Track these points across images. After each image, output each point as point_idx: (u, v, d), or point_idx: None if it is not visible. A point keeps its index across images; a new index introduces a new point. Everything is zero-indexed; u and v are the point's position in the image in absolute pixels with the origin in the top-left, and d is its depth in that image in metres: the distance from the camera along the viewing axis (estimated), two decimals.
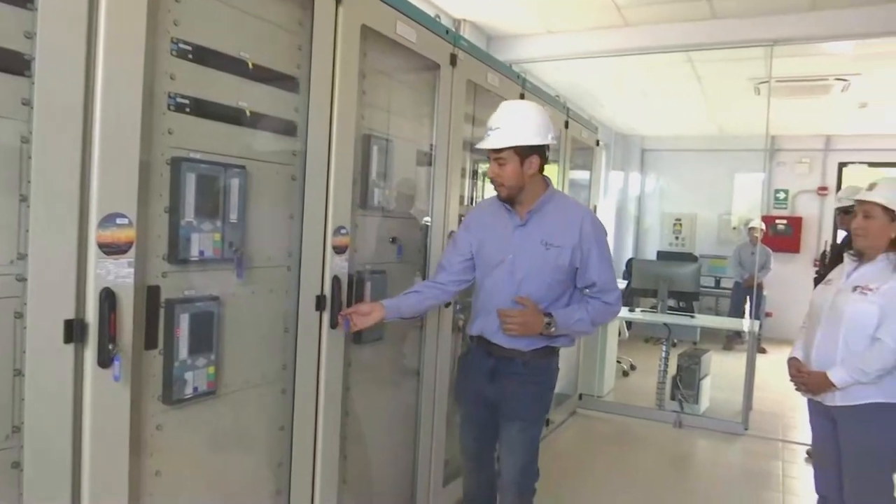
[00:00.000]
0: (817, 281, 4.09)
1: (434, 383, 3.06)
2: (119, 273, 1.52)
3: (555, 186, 2.52)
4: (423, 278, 2.95)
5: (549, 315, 2.36)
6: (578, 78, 6.86)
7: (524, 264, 2.39)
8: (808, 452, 4.59)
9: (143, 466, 1.72)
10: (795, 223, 9.59)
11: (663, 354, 5.70)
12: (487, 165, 2.46)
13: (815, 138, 9.44)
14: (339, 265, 2.30)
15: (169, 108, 1.72)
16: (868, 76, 6.24)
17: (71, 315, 1.44)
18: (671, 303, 6.42)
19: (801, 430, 4.95)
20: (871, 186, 2.55)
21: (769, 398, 5.89)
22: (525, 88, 3.83)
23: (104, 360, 1.48)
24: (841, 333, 2.50)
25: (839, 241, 5.06)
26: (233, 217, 1.90)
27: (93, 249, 1.47)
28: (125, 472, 1.59)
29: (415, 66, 2.84)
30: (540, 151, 2.36)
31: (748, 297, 7.35)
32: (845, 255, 2.67)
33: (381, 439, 2.83)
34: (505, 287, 2.40)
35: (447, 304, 3.02)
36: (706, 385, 5.72)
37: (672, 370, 5.67)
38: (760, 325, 6.80)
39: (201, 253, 1.81)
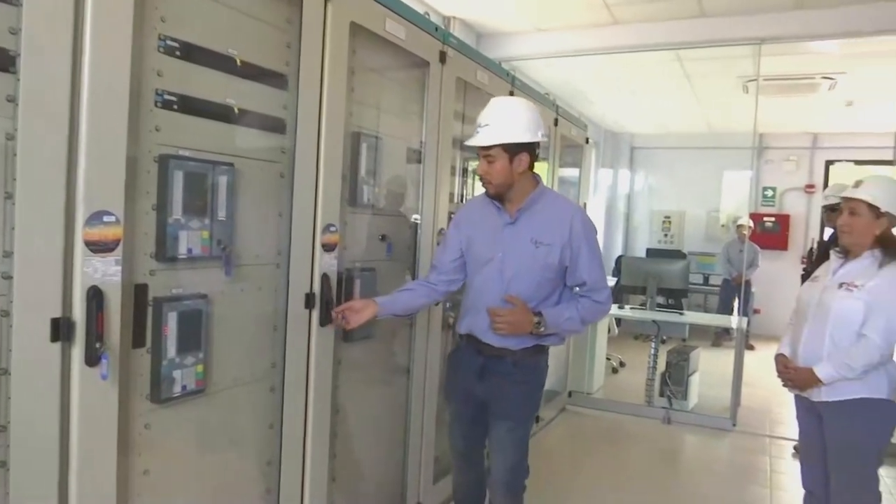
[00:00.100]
0: (804, 278, 4.12)
1: (424, 381, 3.06)
2: (106, 271, 1.51)
3: (545, 184, 2.52)
4: (413, 276, 2.95)
5: (538, 314, 2.35)
6: (568, 75, 6.87)
7: (513, 262, 2.38)
8: (795, 448, 4.63)
9: (131, 466, 1.71)
10: (783, 220, 9.66)
11: (652, 351, 5.72)
12: (477, 163, 2.45)
13: (802, 136, 9.51)
14: (328, 263, 2.30)
15: (156, 105, 1.71)
16: (854, 75, 6.28)
17: (58, 313, 1.43)
18: (660, 300, 6.45)
19: (789, 426, 4.99)
20: (858, 184, 2.57)
21: (757, 394, 5.93)
22: (514, 86, 3.83)
23: (91, 359, 1.47)
24: (827, 330, 2.52)
25: (826, 238, 5.09)
26: (221, 215, 1.89)
27: (80, 247, 1.46)
28: (113, 471, 1.58)
29: (404, 63, 2.83)
30: (530, 149, 2.35)
31: (736, 294, 7.39)
32: (831, 252, 2.69)
33: (371, 437, 2.83)
34: (494, 285, 2.40)
35: (437, 303, 3.02)
36: (695, 381, 5.75)
37: (661, 367, 5.70)
38: (748, 322, 6.86)
39: (189, 251, 1.81)
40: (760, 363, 6.11)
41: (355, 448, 2.71)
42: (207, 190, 1.85)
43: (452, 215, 2.97)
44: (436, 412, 3.15)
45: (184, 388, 1.82)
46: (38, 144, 1.38)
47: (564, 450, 4.60)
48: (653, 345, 5.76)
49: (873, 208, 2.49)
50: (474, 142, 2.34)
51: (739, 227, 8.25)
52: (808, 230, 9.47)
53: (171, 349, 1.78)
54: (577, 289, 2.46)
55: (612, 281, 6.49)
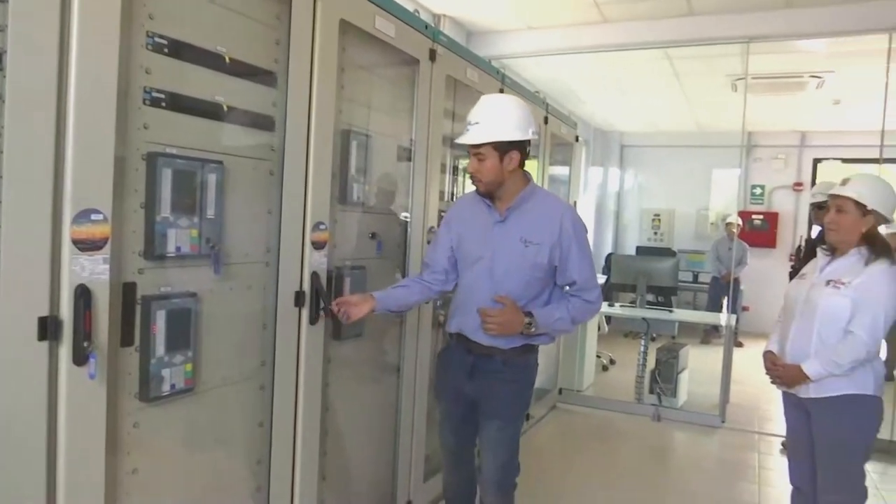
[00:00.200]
0: (792, 275, 4.15)
1: (414, 379, 3.06)
2: (94, 269, 1.50)
3: (535, 182, 2.52)
4: (403, 275, 2.95)
5: (529, 314, 2.35)
6: (558, 74, 6.88)
7: (503, 261, 2.38)
8: (783, 444, 4.66)
9: (119, 465, 1.70)
10: (772, 218, 9.71)
11: (642, 349, 5.75)
12: (468, 161, 2.45)
13: (790, 134, 9.57)
14: (318, 261, 2.29)
15: (144, 103, 1.70)
16: (841, 74, 6.33)
17: (45, 312, 1.42)
18: (650, 297, 6.47)
19: (777, 423, 5.03)
20: (845, 182, 2.59)
21: (746, 391, 5.97)
22: (504, 84, 3.84)
23: (79, 358, 1.46)
24: (815, 327, 2.54)
25: (814, 236, 5.13)
26: (210, 213, 1.89)
27: (67, 246, 1.45)
28: (101, 470, 1.57)
29: (394, 61, 2.83)
30: (520, 147, 2.34)
31: (725, 292, 7.43)
32: (818, 249, 2.71)
33: (361, 435, 2.82)
34: (483, 284, 2.40)
35: (429, 302, 3.02)
36: (684, 379, 5.78)
37: (651, 364, 5.73)
38: (737, 319, 6.89)
39: (178, 249, 1.80)
40: (749, 360, 6.14)
41: (345, 446, 2.71)
42: (196, 188, 1.84)
43: (443, 213, 2.97)
44: (426, 410, 3.15)
45: (173, 386, 1.81)
46: (24, 142, 1.37)
47: (555, 447, 4.62)
48: (642, 342, 5.78)
49: (860, 206, 2.51)
50: (464, 140, 2.33)
51: (728, 224, 8.30)
52: (796, 228, 9.52)
53: (159, 348, 1.77)
54: (568, 288, 2.46)
55: (602, 279, 6.51)
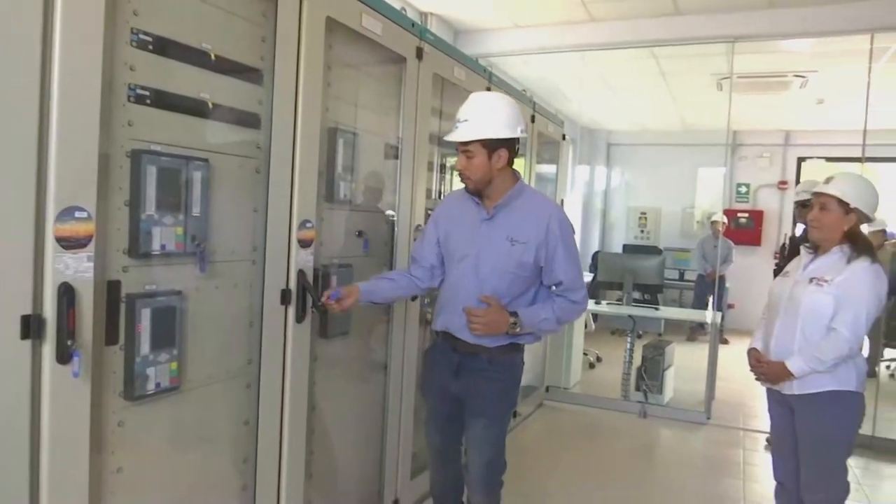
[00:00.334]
0: (777, 273, 4.19)
1: (401, 377, 3.06)
2: (78, 267, 1.49)
3: (524, 181, 2.52)
4: None
5: (514, 314, 2.35)
6: (545, 72, 6.90)
7: (489, 259, 2.38)
8: (767, 440, 4.70)
9: (104, 464, 1.69)
10: (757, 216, 9.79)
11: (628, 346, 5.77)
12: (455, 159, 2.45)
13: (775, 133, 9.65)
14: (304, 259, 2.29)
15: (129, 100, 1.68)
16: (824, 73, 6.39)
17: (28, 310, 1.41)
18: (636, 295, 6.50)
19: (762, 419, 5.06)
20: (828, 180, 2.62)
21: (731, 388, 6.02)
22: (491, 82, 3.84)
23: (63, 357, 1.45)
24: (798, 324, 2.56)
25: (798, 234, 5.18)
26: (195, 210, 1.88)
27: (50, 243, 1.44)
28: (85, 469, 1.56)
29: (381, 59, 2.82)
30: (509, 145, 2.34)
31: (711, 290, 7.48)
32: (802, 247, 2.73)
33: (348, 433, 2.82)
34: (469, 282, 2.40)
35: (414, 298, 3.02)
36: (670, 376, 5.82)
37: (637, 362, 5.75)
38: (723, 317, 6.94)
39: (163, 247, 1.79)
40: (734, 357, 6.19)
41: (332, 444, 2.70)
42: (181, 185, 1.83)
43: (430, 212, 2.97)
44: (413, 408, 3.15)
45: (158, 385, 1.80)
46: (7, 139, 1.35)
47: (542, 445, 4.63)
48: (629, 340, 5.81)
49: (843, 204, 2.54)
50: (453, 137, 2.33)
51: (714, 223, 8.36)
52: (781, 226, 9.61)
53: (144, 346, 1.75)
54: (554, 288, 2.47)
55: (588, 277, 6.54)
